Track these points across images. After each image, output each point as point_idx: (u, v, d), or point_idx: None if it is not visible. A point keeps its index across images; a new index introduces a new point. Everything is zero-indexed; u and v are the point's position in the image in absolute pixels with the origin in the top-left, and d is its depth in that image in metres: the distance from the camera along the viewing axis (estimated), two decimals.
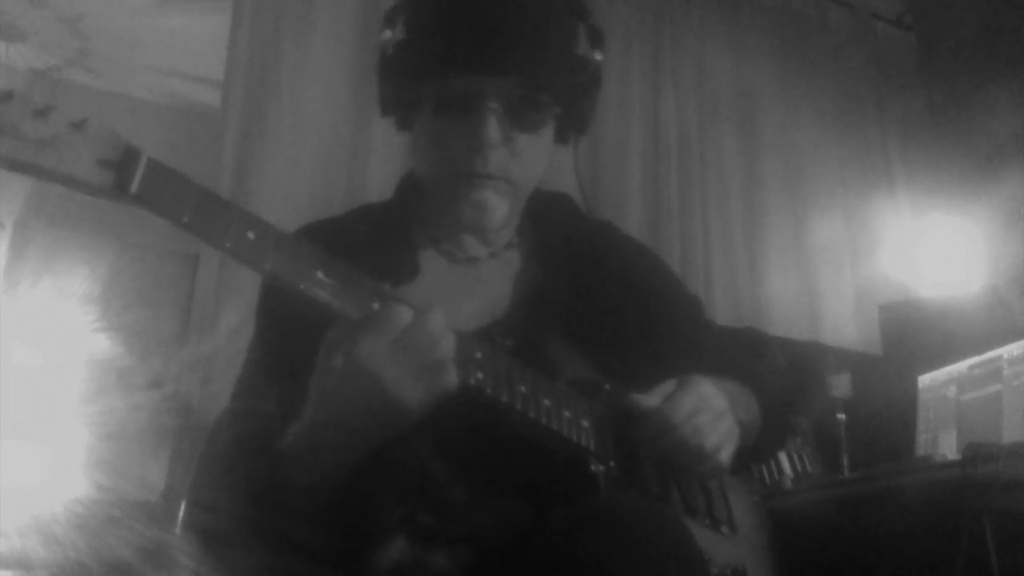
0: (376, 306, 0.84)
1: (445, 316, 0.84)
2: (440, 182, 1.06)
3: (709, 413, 1.00)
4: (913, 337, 2.42)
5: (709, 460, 1.00)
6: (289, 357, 0.97)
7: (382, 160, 2.37)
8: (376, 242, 1.07)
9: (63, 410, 2.86)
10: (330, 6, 2.50)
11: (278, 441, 0.89)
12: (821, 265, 2.94)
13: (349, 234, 1.08)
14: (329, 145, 2.38)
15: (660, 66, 2.92)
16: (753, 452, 1.15)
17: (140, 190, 0.72)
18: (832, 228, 2.99)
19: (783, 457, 2.20)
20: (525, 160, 1.05)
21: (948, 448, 1.88)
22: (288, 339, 0.98)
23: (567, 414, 0.97)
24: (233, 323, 1.98)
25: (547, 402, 0.95)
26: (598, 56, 1.11)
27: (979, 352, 1.93)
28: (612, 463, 1.00)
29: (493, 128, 1.00)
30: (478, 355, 0.90)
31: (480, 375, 0.89)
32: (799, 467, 2.22)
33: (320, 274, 0.82)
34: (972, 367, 1.94)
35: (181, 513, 1.09)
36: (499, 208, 1.05)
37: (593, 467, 0.98)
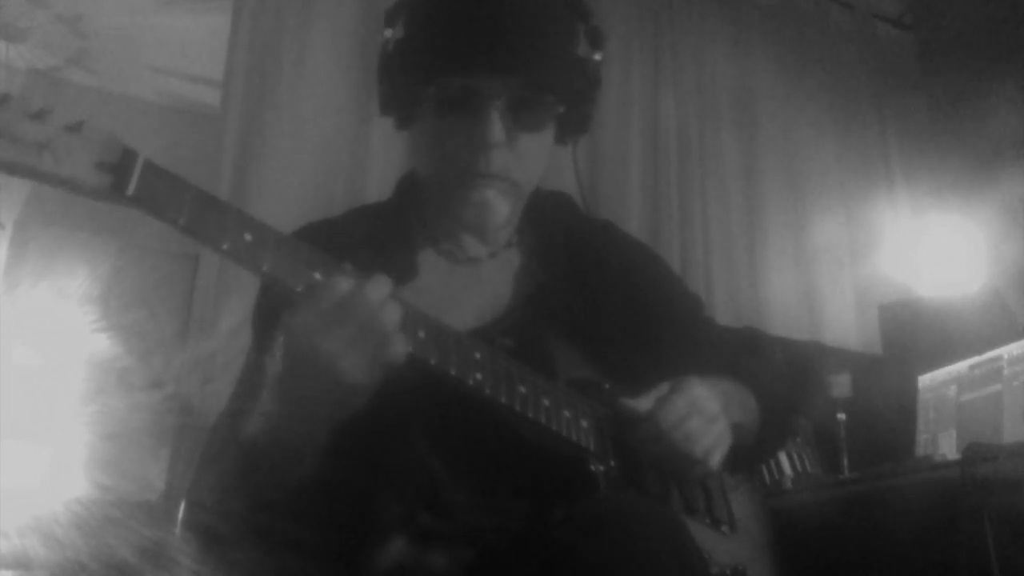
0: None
1: (389, 285, 0.82)
2: (442, 181, 1.06)
3: (700, 417, 1.00)
4: (913, 337, 2.42)
5: (700, 465, 1.00)
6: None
7: (382, 160, 2.37)
8: (375, 242, 1.07)
9: (63, 410, 2.86)
10: (330, 6, 2.50)
11: (242, 431, 0.88)
12: (821, 265, 2.94)
13: (348, 234, 1.08)
14: (329, 145, 2.38)
15: (660, 66, 2.92)
16: (753, 452, 1.15)
17: (137, 192, 0.72)
18: (832, 228, 2.99)
19: (783, 457, 2.20)
20: (527, 160, 1.04)
21: (948, 448, 1.88)
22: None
23: (567, 414, 0.97)
24: (233, 323, 1.98)
25: (546, 402, 0.95)
26: (598, 57, 1.11)
27: (979, 352, 1.93)
28: (612, 463, 1.00)
29: (497, 127, 1.00)
30: (477, 355, 0.90)
31: (479, 375, 0.89)
32: (799, 467, 2.21)
33: (317, 275, 0.82)
34: (972, 367, 1.94)
35: (181, 513, 1.08)
36: (501, 208, 1.05)
37: (593, 467, 0.98)
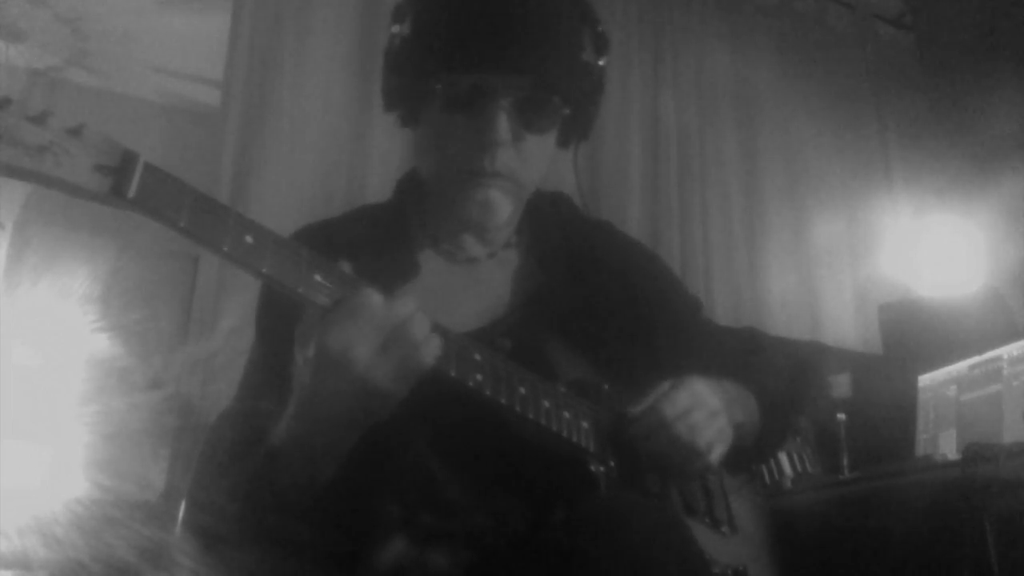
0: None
1: (415, 300, 0.83)
2: (446, 179, 1.06)
3: (702, 411, 1.00)
4: (913, 337, 2.42)
5: (701, 458, 1.00)
6: (289, 358, 0.97)
7: (382, 160, 2.37)
8: (375, 242, 1.07)
9: (63, 410, 2.86)
10: (330, 6, 2.50)
11: (269, 438, 0.89)
12: (821, 265, 2.94)
13: (348, 235, 1.08)
14: (329, 145, 2.38)
15: (660, 66, 2.92)
16: (753, 452, 1.15)
17: (137, 195, 0.72)
18: (832, 228, 2.99)
19: (783, 457, 2.20)
20: (531, 160, 1.04)
21: (948, 448, 1.88)
22: (288, 340, 0.98)
23: (567, 415, 0.97)
24: (233, 323, 1.98)
25: (546, 403, 0.95)
26: (602, 62, 1.11)
27: (979, 352, 1.93)
28: (612, 463, 1.00)
29: (503, 126, 1.00)
30: (477, 357, 0.90)
31: (479, 376, 0.89)
32: (799, 467, 2.21)
33: (318, 277, 0.82)
34: (972, 367, 1.94)
35: (181, 513, 1.09)
36: (503, 207, 1.05)
37: (593, 467, 0.98)
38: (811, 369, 2.45)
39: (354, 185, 2.36)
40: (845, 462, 2.17)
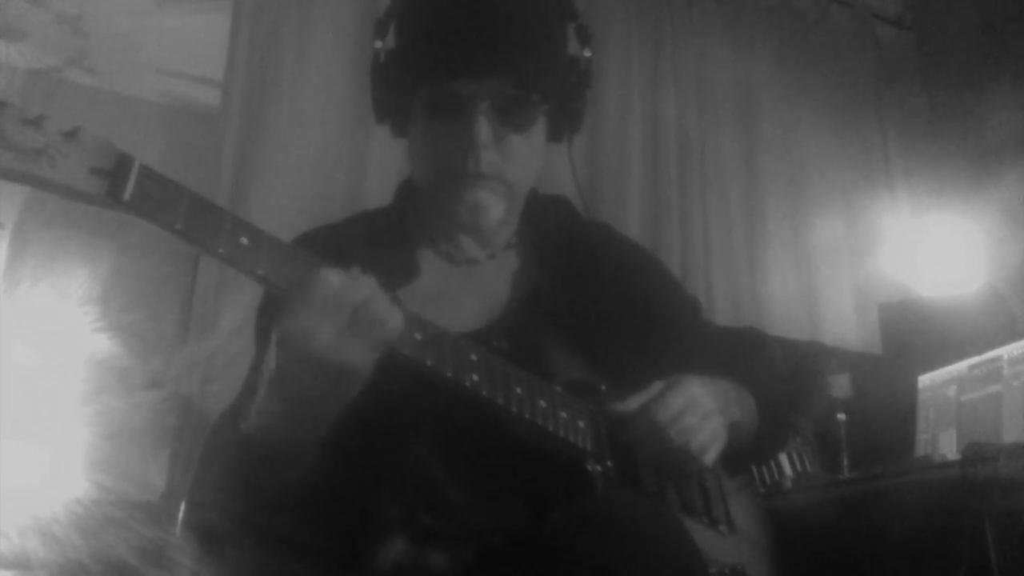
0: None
1: (372, 277, 0.83)
2: (435, 184, 1.08)
3: (695, 413, 1.00)
4: (913, 337, 2.42)
5: (695, 461, 1.01)
6: None
7: (381, 160, 2.37)
8: (375, 245, 1.08)
9: (63, 410, 2.86)
10: (330, 6, 2.50)
11: (239, 428, 0.88)
12: (821, 265, 2.94)
13: (348, 239, 1.09)
14: (329, 145, 2.38)
15: (660, 66, 2.92)
16: (752, 452, 1.15)
17: (133, 198, 0.73)
18: (832, 228, 2.99)
19: (783, 457, 2.20)
20: (518, 159, 1.06)
21: (948, 448, 1.88)
22: None
23: (563, 415, 0.97)
24: (233, 323, 1.98)
25: (543, 403, 0.95)
26: (587, 53, 1.12)
27: (979, 352, 1.93)
28: (609, 463, 1.00)
29: (483, 129, 1.02)
30: (473, 357, 0.90)
31: (476, 377, 0.90)
32: (799, 467, 2.22)
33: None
34: (972, 367, 1.94)
35: (181, 513, 1.09)
36: (494, 207, 1.06)
37: (590, 467, 0.98)
38: (811, 369, 2.47)
39: (354, 186, 2.36)
40: (845, 462, 2.17)
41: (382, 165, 2.36)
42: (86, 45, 3.69)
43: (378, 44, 1.09)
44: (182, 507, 1.09)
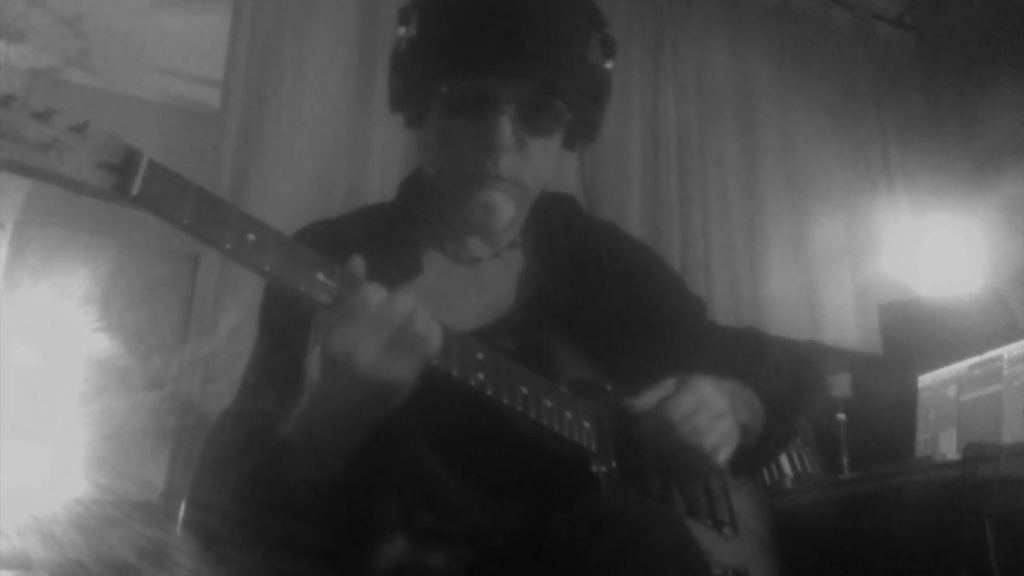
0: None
1: (415, 295, 0.84)
2: (449, 182, 1.06)
3: (708, 413, 1.00)
4: (913, 337, 2.43)
5: (707, 460, 1.00)
6: (291, 358, 0.97)
7: (382, 160, 2.37)
8: (378, 242, 1.07)
9: (63, 410, 2.86)
10: (330, 6, 2.50)
11: (278, 432, 0.89)
12: (821, 265, 2.94)
13: (351, 234, 1.08)
14: (329, 145, 2.38)
15: (660, 66, 2.92)
16: (757, 453, 1.15)
17: (140, 192, 0.73)
18: (832, 228, 2.98)
19: (783, 457, 2.20)
20: (535, 164, 1.05)
21: (948, 448, 1.88)
22: (290, 340, 0.98)
23: (568, 415, 0.97)
24: (233, 323, 1.98)
25: (548, 403, 0.95)
26: (609, 65, 1.11)
27: (979, 352, 1.93)
28: (613, 464, 1.00)
29: (506, 131, 1.00)
30: (479, 356, 0.90)
31: (481, 376, 0.89)
32: (799, 467, 2.22)
33: (320, 276, 0.82)
34: (972, 367, 1.94)
35: (181, 513, 1.09)
36: (506, 210, 1.05)
37: (594, 468, 0.98)
38: (811, 369, 2.47)
39: (354, 185, 2.36)
40: (845, 462, 2.17)
41: (382, 165, 2.36)
42: (86, 45, 3.69)
43: (401, 31, 1.06)
44: (182, 507, 1.09)
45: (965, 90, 3.01)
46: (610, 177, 2.72)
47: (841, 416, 2.25)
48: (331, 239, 0.97)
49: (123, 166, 0.72)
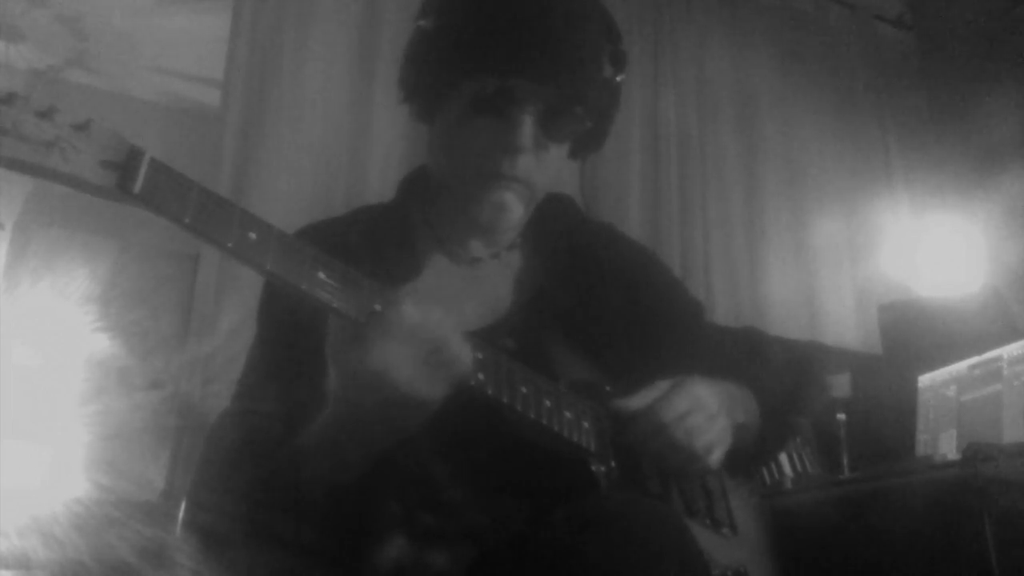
0: (378, 307, 0.84)
1: (445, 314, 0.84)
2: (462, 179, 1.06)
3: (701, 413, 1.00)
4: (913, 337, 2.42)
5: (699, 461, 1.00)
6: (291, 357, 0.97)
7: (382, 159, 2.37)
8: (377, 241, 1.07)
9: (63, 410, 2.86)
10: (330, 6, 2.50)
11: (295, 436, 0.89)
12: (821, 265, 2.94)
13: (350, 234, 1.08)
14: (329, 144, 2.38)
15: (660, 66, 2.92)
16: (756, 454, 1.15)
17: (143, 190, 0.73)
18: (832, 228, 2.99)
19: (783, 457, 2.20)
20: (548, 168, 1.05)
21: (948, 448, 1.88)
22: (290, 339, 0.98)
23: (568, 415, 0.97)
24: (233, 323, 1.98)
25: (548, 403, 0.95)
26: (620, 79, 1.11)
27: (979, 352, 1.93)
28: (613, 464, 1.00)
29: (528, 132, 1.00)
30: (479, 356, 0.90)
31: (481, 376, 0.89)
32: (799, 467, 2.22)
33: (322, 275, 0.82)
34: (972, 367, 1.94)
35: (181, 513, 1.09)
36: (515, 211, 1.05)
37: (594, 467, 0.98)
38: (811, 369, 2.47)
39: (354, 185, 2.36)
40: (845, 462, 2.17)
41: (382, 164, 2.36)
42: (86, 45, 3.69)
43: (421, 23, 1.06)
44: (182, 507, 1.09)
45: (965, 90, 3.01)
46: (610, 177, 2.72)
47: (841, 416, 2.25)
48: (330, 239, 0.96)
49: (125, 164, 0.72)
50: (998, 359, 1.87)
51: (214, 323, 2.10)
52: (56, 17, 3.49)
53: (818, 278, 2.92)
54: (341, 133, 2.40)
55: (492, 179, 1.03)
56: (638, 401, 1.02)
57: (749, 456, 1.13)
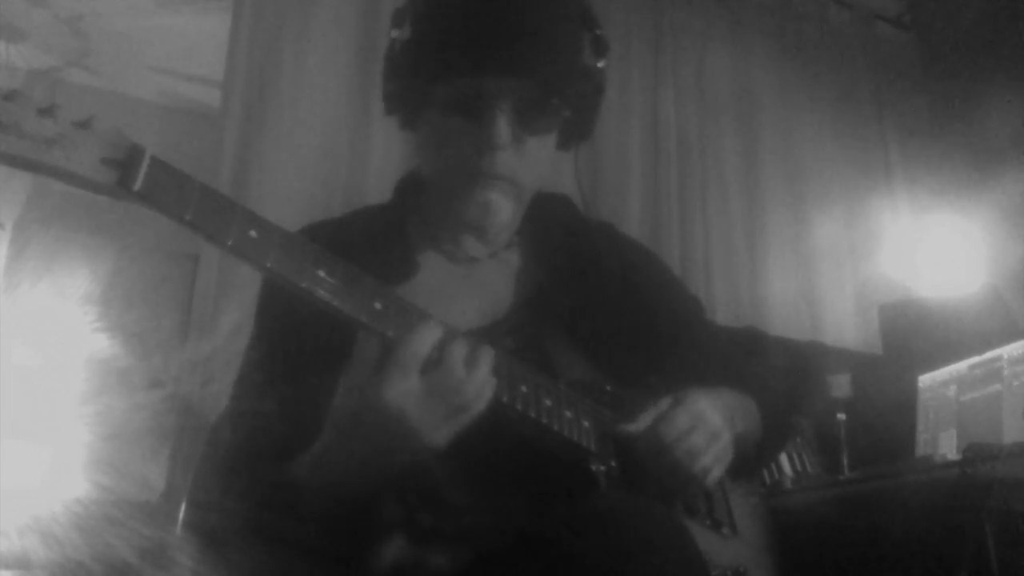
0: (378, 305, 0.84)
1: (466, 346, 0.85)
2: (446, 181, 1.07)
3: (703, 433, 1.00)
4: (913, 337, 2.42)
5: (697, 482, 1.01)
6: (289, 357, 0.97)
7: (382, 160, 2.37)
8: (374, 241, 1.07)
9: (63, 410, 2.86)
10: (331, 6, 2.50)
11: (292, 467, 0.89)
12: (821, 265, 2.94)
13: (348, 234, 1.08)
14: (329, 145, 2.38)
15: (660, 66, 2.92)
16: (755, 458, 1.15)
17: (143, 188, 0.73)
18: (832, 228, 2.99)
19: (783, 457, 2.20)
20: (531, 162, 1.05)
21: (948, 448, 1.88)
22: (288, 339, 0.98)
23: (568, 414, 0.97)
24: (233, 323, 1.98)
25: (548, 402, 0.95)
26: (602, 65, 1.11)
27: (979, 352, 1.93)
28: (612, 463, 1.00)
29: (503, 129, 1.00)
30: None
31: None
32: (799, 467, 2.21)
33: (322, 272, 0.82)
34: (972, 367, 1.94)
35: (181, 513, 1.09)
36: (504, 208, 1.05)
37: (593, 467, 0.98)
38: (811, 369, 2.46)
39: (354, 185, 2.36)
40: (845, 462, 2.17)
41: (382, 166, 2.36)
42: (86, 45, 3.69)
43: (394, 34, 1.07)
44: (182, 507, 1.09)
45: (965, 90, 3.01)
46: (610, 177, 2.73)
47: (841, 416, 2.24)
48: (327, 239, 0.97)
49: (126, 162, 0.73)
50: (998, 359, 1.87)
51: (214, 323, 2.10)
52: (56, 17, 3.49)
53: (818, 278, 2.92)
54: (341, 133, 2.40)
55: (474, 179, 1.03)
56: (640, 424, 1.01)
57: (749, 461, 1.13)
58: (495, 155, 1.01)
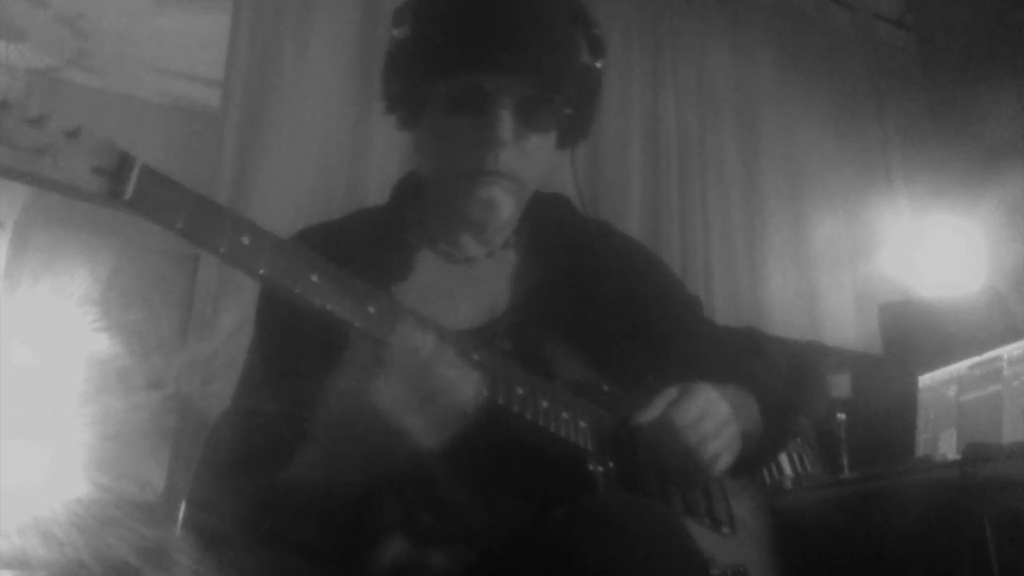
0: (371, 310, 0.84)
1: (456, 349, 0.85)
2: (448, 179, 1.07)
3: (713, 420, 1.00)
4: (913, 337, 2.42)
5: (706, 469, 1.00)
6: (290, 357, 0.97)
7: (382, 160, 2.37)
8: (371, 242, 1.07)
9: (63, 410, 2.86)
10: (330, 6, 2.50)
11: (285, 472, 0.89)
12: (821, 265, 2.94)
13: (345, 236, 1.08)
14: (329, 145, 2.38)
15: (660, 66, 2.92)
16: (755, 457, 1.15)
17: (134, 197, 0.73)
18: (832, 228, 2.99)
19: (783, 457, 2.20)
20: (533, 160, 1.05)
21: (948, 448, 1.88)
22: (289, 339, 0.98)
23: (565, 415, 0.97)
24: (233, 323, 1.98)
25: (545, 403, 0.95)
26: (599, 64, 1.12)
27: (979, 352, 1.93)
28: (611, 463, 1.00)
29: (506, 126, 1.01)
30: (475, 356, 0.90)
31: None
32: (799, 467, 2.21)
33: (314, 278, 0.82)
34: (972, 367, 1.94)
35: (181, 513, 1.09)
36: (506, 206, 1.06)
37: (591, 467, 0.98)
38: (811, 369, 2.46)
39: (354, 185, 2.36)
40: (845, 462, 2.17)
41: (382, 166, 2.36)
42: (86, 45, 3.69)
43: (394, 33, 1.07)
44: (182, 507, 1.09)
45: (965, 90, 3.01)
46: (610, 177, 2.73)
47: (841, 416, 2.24)
48: (325, 241, 0.97)
49: (116, 171, 0.73)
50: (998, 359, 1.87)
51: (214, 323, 2.10)
52: (56, 17, 3.49)
53: (818, 278, 2.92)
54: (341, 134, 2.40)
55: (477, 176, 1.03)
56: (650, 411, 1.01)
57: (750, 459, 1.13)
58: (497, 151, 1.02)
